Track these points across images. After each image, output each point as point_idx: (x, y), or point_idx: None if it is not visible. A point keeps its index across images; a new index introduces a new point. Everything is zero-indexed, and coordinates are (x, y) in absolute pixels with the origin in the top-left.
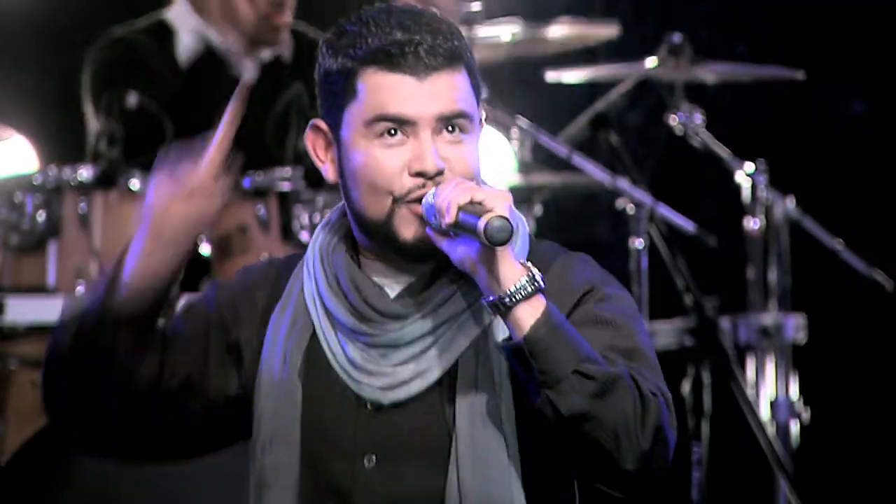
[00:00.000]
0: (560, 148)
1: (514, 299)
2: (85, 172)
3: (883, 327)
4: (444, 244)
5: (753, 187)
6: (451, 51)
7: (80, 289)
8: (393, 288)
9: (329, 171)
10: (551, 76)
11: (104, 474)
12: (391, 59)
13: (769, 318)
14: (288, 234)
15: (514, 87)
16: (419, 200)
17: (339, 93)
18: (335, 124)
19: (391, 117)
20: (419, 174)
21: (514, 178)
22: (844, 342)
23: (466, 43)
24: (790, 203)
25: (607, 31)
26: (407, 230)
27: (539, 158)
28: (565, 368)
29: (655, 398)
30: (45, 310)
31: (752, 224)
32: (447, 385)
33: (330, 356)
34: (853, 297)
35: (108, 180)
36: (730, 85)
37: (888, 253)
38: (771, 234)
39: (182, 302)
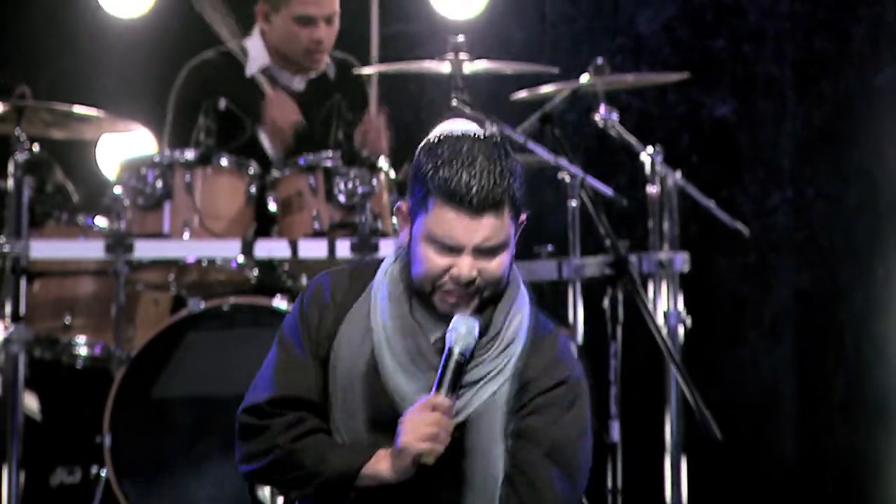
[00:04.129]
0: (519, 137)
1: None
2: (189, 154)
3: (742, 261)
4: None
5: (653, 164)
6: (499, 196)
7: (186, 235)
8: (434, 333)
9: (405, 238)
10: (518, 94)
11: (202, 360)
12: (453, 199)
13: (664, 254)
14: (330, 196)
15: (488, 97)
16: (452, 294)
17: (419, 198)
18: (413, 215)
19: (445, 243)
20: (454, 278)
21: None
22: (716, 272)
23: (513, 181)
24: (678, 175)
25: (550, 68)
26: (442, 306)
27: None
28: None
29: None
30: (161, 249)
31: (652, 189)
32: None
33: (384, 379)
34: (722, 241)
35: (205, 160)
36: (636, 91)
37: (746, 210)
38: (664, 196)
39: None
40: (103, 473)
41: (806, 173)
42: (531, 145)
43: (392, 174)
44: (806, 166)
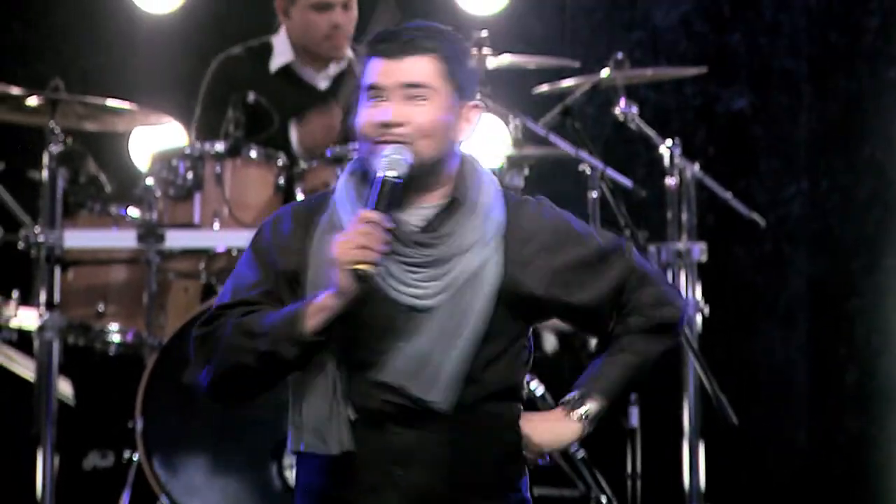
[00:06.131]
0: (540, 130)
1: None
2: (219, 146)
3: (757, 251)
4: None
5: (671, 156)
6: (420, 42)
7: (216, 225)
8: (411, 216)
9: None
10: (540, 88)
11: None
12: (377, 46)
13: (682, 245)
14: None
15: (511, 91)
16: (381, 143)
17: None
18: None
19: (369, 85)
20: (379, 124)
21: (510, 150)
22: (732, 261)
23: (449, 42)
24: (696, 167)
25: (571, 62)
26: (376, 163)
27: (527, 137)
28: None
29: None
30: (191, 239)
31: (671, 181)
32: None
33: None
34: (738, 231)
35: (234, 152)
36: (654, 85)
37: (761, 201)
38: (683, 188)
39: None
40: (135, 457)
41: (820, 165)
42: (552, 138)
43: None
44: (820, 158)
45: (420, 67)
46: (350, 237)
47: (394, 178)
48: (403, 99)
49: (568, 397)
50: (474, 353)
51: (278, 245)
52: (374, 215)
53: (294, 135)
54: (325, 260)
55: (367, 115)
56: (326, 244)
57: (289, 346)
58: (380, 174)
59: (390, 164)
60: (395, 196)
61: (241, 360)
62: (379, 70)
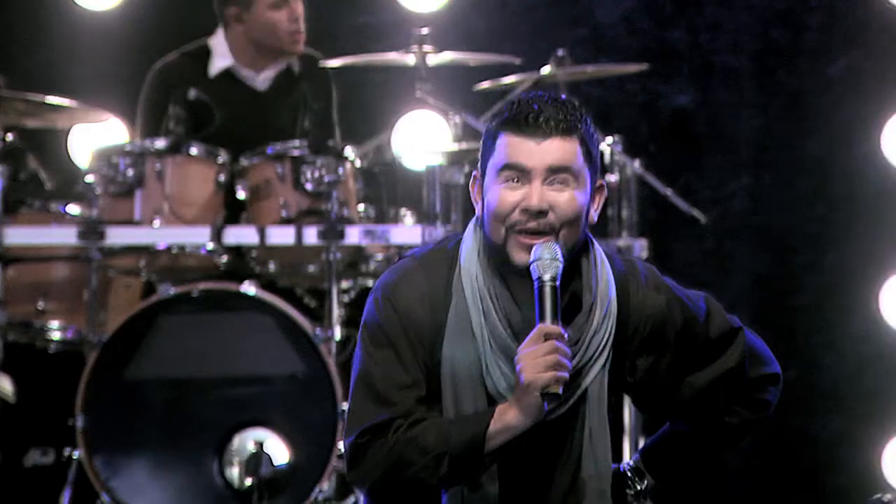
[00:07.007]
0: (481, 126)
1: None
2: (160, 143)
3: (699, 247)
4: None
5: (612, 153)
6: (566, 122)
7: (157, 222)
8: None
9: (479, 208)
10: (481, 85)
11: (172, 343)
12: (519, 124)
13: (623, 241)
14: (298, 185)
15: (453, 88)
16: (526, 232)
17: (486, 150)
18: (483, 173)
19: (514, 165)
20: (525, 210)
21: (451, 147)
22: (674, 257)
23: (586, 124)
24: (637, 163)
25: (512, 59)
26: (518, 257)
27: (468, 133)
28: None
29: None
30: (132, 236)
31: (612, 178)
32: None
33: (489, 383)
34: (680, 227)
35: (175, 148)
36: (596, 81)
37: (703, 198)
38: (624, 184)
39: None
40: (76, 455)
41: (762, 162)
42: None
43: (358, 162)
44: (762, 155)
45: (566, 150)
46: (537, 357)
47: (551, 282)
48: (546, 183)
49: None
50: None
51: (416, 339)
52: (555, 329)
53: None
54: (470, 366)
55: (506, 196)
56: (459, 347)
57: (471, 466)
58: (538, 277)
59: (547, 266)
60: (558, 297)
61: (419, 476)
62: (522, 150)
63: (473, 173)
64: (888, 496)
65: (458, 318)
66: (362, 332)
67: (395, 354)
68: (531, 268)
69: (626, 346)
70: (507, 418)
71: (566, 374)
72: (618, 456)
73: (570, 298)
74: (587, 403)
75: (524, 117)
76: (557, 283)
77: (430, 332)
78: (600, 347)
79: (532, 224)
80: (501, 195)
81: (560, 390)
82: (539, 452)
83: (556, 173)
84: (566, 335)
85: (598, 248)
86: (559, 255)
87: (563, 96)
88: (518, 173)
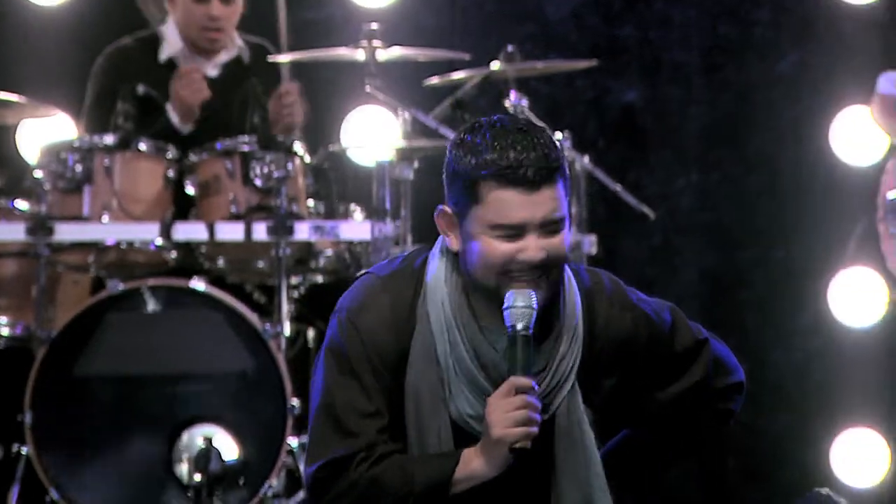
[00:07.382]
0: (431, 122)
1: None
2: (108, 139)
3: (648, 243)
4: None
5: (561, 148)
6: (552, 168)
7: (105, 218)
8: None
9: (453, 243)
10: (430, 81)
11: (121, 339)
12: (508, 177)
13: (572, 237)
14: (247, 180)
15: (402, 83)
16: (522, 279)
17: (465, 193)
18: (461, 215)
19: (510, 225)
20: (522, 263)
21: (400, 143)
22: (623, 253)
23: (562, 153)
24: (586, 159)
25: (461, 55)
26: (505, 314)
27: (417, 129)
28: None
29: None
30: (81, 232)
31: None
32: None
33: (453, 409)
34: (628, 223)
35: (124, 144)
36: (545, 77)
37: (652, 193)
38: (573, 180)
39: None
40: (24, 451)
41: (710, 158)
42: (443, 130)
43: (307, 158)
44: (711, 151)
45: (556, 198)
46: (508, 411)
47: (524, 331)
48: (541, 233)
49: None
50: None
51: (379, 365)
52: (526, 382)
53: (173, 115)
54: (430, 398)
55: (500, 248)
56: (424, 373)
57: None
58: (510, 325)
59: (520, 315)
60: (531, 348)
61: None
62: (513, 206)
63: (440, 208)
64: (825, 490)
65: (422, 344)
66: (325, 356)
67: (358, 382)
68: (504, 314)
69: (593, 367)
70: (473, 467)
71: (535, 430)
72: None
73: (540, 323)
74: (556, 427)
75: (510, 169)
76: (530, 331)
77: (393, 357)
78: (566, 372)
79: (526, 277)
80: (495, 247)
81: (529, 445)
82: (510, 479)
83: (549, 224)
84: (537, 388)
85: (567, 270)
86: (534, 303)
87: (515, 96)
88: (512, 230)
